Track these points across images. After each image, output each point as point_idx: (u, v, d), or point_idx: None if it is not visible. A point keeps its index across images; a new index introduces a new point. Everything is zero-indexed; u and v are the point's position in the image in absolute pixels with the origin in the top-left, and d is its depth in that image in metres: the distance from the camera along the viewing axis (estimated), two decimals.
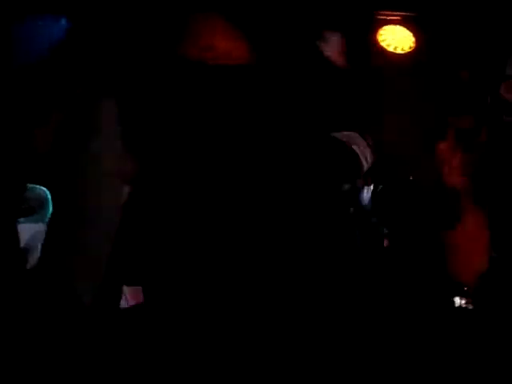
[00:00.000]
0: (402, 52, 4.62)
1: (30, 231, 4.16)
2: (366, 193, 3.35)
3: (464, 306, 4.37)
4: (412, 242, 3.33)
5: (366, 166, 3.31)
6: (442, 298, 3.42)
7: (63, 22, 4.27)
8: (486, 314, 3.42)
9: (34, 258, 4.07)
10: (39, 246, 4.11)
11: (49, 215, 4.25)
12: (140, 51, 4.43)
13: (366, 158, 3.33)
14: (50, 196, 4.24)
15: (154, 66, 4.47)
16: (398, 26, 4.59)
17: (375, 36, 4.62)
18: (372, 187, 3.36)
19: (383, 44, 4.62)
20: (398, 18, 4.61)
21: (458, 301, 4.46)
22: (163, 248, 4.21)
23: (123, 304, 4.30)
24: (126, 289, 4.29)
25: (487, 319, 3.41)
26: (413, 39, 4.59)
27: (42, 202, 4.20)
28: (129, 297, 4.32)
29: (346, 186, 3.40)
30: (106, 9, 4.32)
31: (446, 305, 3.44)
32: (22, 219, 4.13)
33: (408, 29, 4.63)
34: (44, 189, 4.23)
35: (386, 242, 3.37)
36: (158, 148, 4.49)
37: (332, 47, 4.41)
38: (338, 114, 4.41)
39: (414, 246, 3.33)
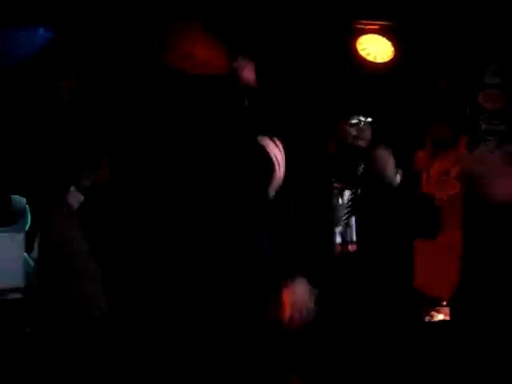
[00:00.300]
0: (382, 61, 4.64)
1: (12, 240, 4.16)
2: (346, 195, 3.36)
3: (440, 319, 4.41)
4: (382, 249, 3.35)
5: (279, 171, 3.38)
6: (407, 309, 3.43)
7: (42, 31, 4.27)
8: (463, 325, 3.44)
9: (17, 267, 4.09)
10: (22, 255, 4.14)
11: (28, 224, 4.25)
12: (121, 59, 4.44)
13: (279, 162, 3.39)
14: (27, 206, 4.23)
15: (135, 74, 4.49)
16: (377, 36, 4.61)
17: (354, 45, 4.63)
18: (352, 190, 3.37)
19: (363, 53, 4.64)
20: (377, 27, 4.62)
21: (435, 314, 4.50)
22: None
23: None
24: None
25: (463, 331, 3.42)
26: (392, 49, 4.60)
27: (22, 212, 4.19)
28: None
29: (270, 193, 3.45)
30: (86, 19, 4.33)
31: (411, 316, 3.46)
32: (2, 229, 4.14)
33: (387, 38, 4.65)
34: (23, 199, 4.22)
35: (352, 247, 3.37)
36: (135, 151, 4.53)
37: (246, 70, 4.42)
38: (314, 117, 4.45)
39: (382, 254, 3.34)
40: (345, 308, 3.29)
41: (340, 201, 3.38)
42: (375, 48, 4.62)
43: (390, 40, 4.64)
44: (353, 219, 3.35)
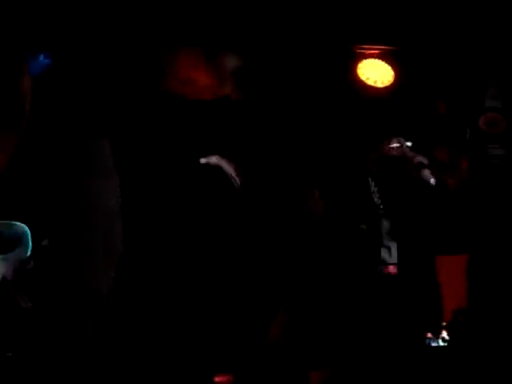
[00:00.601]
0: (382, 86, 4.64)
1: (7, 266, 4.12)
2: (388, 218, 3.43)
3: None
4: (420, 270, 3.36)
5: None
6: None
7: (42, 58, 4.26)
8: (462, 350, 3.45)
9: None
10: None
11: (29, 251, 4.21)
12: (122, 86, 4.43)
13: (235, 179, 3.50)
14: (28, 233, 4.19)
15: (137, 100, 4.47)
16: (377, 60, 4.61)
17: (355, 69, 4.63)
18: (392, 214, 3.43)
19: (363, 78, 4.64)
20: (377, 51, 4.63)
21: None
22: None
23: None
24: None
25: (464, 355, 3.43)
26: (392, 73, 4.60)
27: (21, 239, 4.14)
28: None
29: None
30: (87, 44, 4.32)
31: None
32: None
33: (387, 62, 4.65)
34: (23, 225, 4.18)
35: (393, 269, 3.38)
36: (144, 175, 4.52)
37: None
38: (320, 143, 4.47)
39: (420, 275, 3.36)
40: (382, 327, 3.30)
41: (385, 223, 3.41)
42: (375, 73, 4.62)
43: (389, 64, 4.64)
44: (394, 243, 3.37)
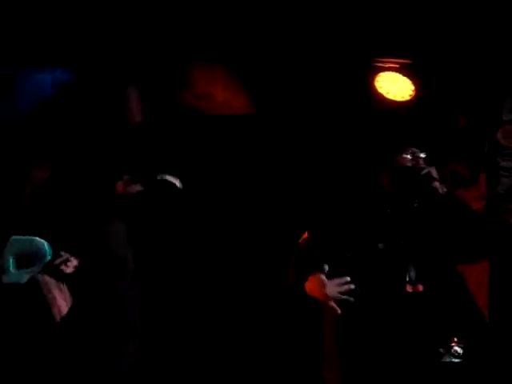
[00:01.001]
0: (401, 99, 4.62)
1: None
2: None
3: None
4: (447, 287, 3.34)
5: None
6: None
7: (59, 73, 4.25)
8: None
9: None
10: None
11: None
12: (140, 99, 4.41)
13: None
14: (48, 248, 4.17)
15: (153, 114, 4.46)
16: (396, 73, 4.60)
17: (373, 83, 4.62)
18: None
19: (381, 91, 4.62)
20: (396, 65, 4.61)
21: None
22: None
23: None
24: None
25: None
26: (412, 87, 4.59)
27: (41, 255, 4.12)
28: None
29: None
30: (106, 59, 4.31)
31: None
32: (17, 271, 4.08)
33: (405, 75, 4.63)
34: (43, 241, 4.15)
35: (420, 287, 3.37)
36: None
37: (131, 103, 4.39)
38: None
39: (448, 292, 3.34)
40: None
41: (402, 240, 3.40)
42: (395, 86, 4.61)
43: (408, 78, 4.63)
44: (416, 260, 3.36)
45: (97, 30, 4.23)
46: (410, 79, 4.59)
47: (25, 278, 4.02)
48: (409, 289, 3.35)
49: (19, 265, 4.13)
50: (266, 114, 4.54)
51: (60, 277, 3.67)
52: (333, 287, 3.21)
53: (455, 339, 3.60)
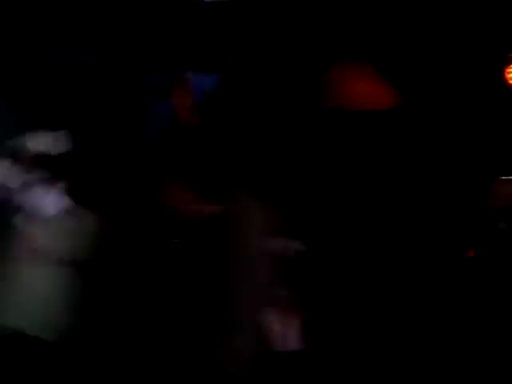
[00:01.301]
0: None
1: None
2: None
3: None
4: None
5: None
6: None
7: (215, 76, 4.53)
8: None
9: None
10: None
11: None
12: (284, 102, 4.61)
13: None
14: None
15: (298, 116, 4.62)
16: None
17: (504, 73, 4.77)
18: None
19: None
20: None
21: None
22: None
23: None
24: None
25: None
26: None
27: None
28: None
29: None
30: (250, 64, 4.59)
31: None
32: None
33: None
34: None
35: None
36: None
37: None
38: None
39: None
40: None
41: None
42: None
43: None
44: None
45: (239, 35, 4.56)
46: None
47: None
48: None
49: None
50: (411, 108, 4.66)
51: None
52: None
53: None
